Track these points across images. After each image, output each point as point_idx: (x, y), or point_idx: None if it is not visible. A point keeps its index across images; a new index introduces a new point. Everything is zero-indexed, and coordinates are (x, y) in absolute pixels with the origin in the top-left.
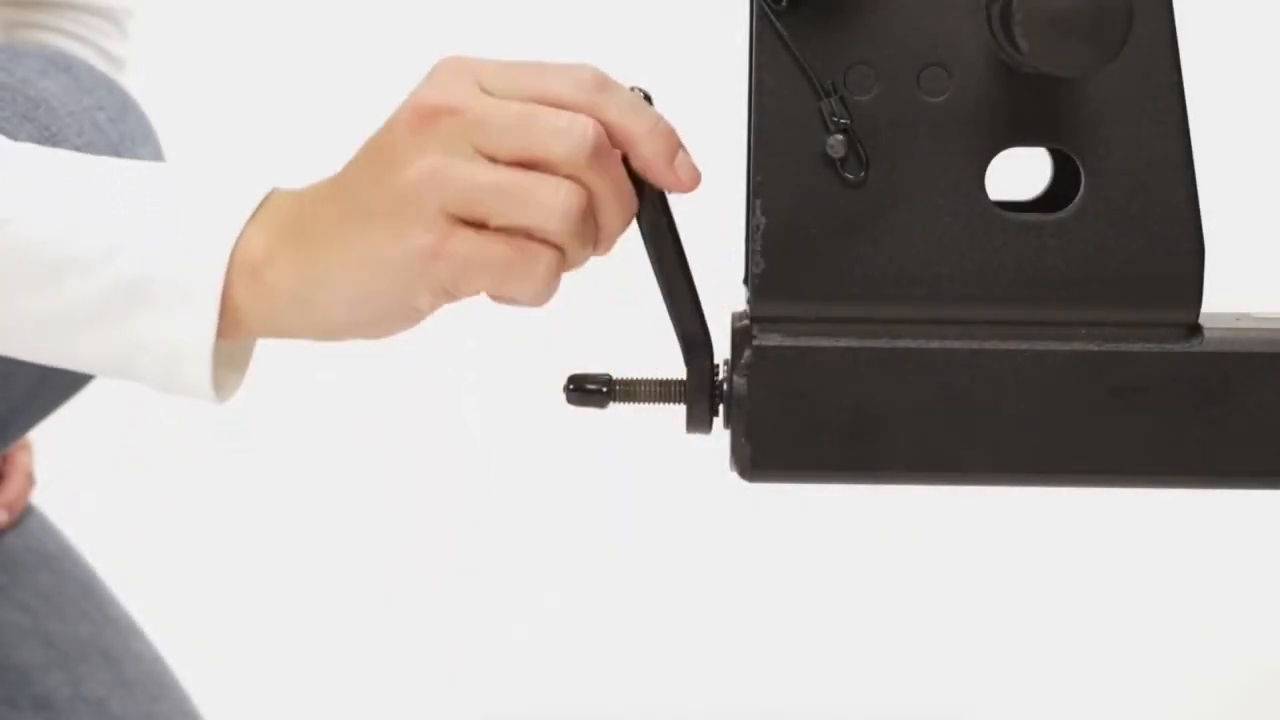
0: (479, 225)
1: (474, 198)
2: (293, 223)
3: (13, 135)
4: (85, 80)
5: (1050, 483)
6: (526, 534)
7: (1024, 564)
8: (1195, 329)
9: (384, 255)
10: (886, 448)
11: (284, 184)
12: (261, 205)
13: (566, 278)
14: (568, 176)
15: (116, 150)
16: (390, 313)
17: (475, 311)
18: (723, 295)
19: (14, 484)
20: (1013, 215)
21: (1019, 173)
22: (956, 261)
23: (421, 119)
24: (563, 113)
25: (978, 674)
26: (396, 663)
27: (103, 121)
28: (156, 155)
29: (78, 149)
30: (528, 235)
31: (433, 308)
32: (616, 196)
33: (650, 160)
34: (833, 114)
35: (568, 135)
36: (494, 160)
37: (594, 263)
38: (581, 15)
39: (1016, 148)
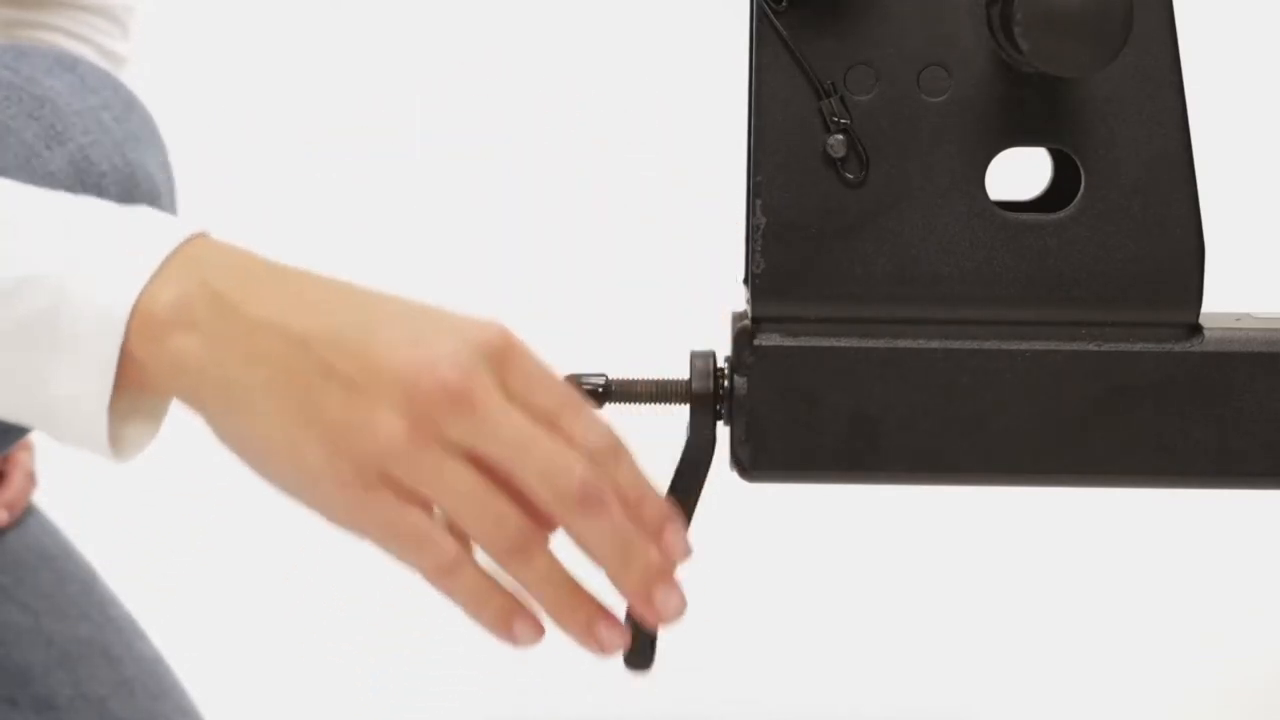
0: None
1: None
2: (218, 313)
3: (19, 133)
4: (90, 79)
5: (1050, 483)
6: None
7: (1024, 564)
8: (1195, 329)
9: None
10: (886, 448)
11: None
12: (177, 257)
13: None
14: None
15: (121, 149)
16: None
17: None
18: (723, 295)
19: (15, 483)
20: (1013, 215)
21: (1019, 173)
22: (956, 261)
23: (428, 398)
24: (563, 450)
25: (978, 674)
26: (396, 662)
27: (108, 120)
28: (161, 155)
29: (83, 147)
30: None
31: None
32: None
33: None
34: (833, 114)
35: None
36: (474, 462)
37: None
38: (582, 15)
39: (1016, 148)
